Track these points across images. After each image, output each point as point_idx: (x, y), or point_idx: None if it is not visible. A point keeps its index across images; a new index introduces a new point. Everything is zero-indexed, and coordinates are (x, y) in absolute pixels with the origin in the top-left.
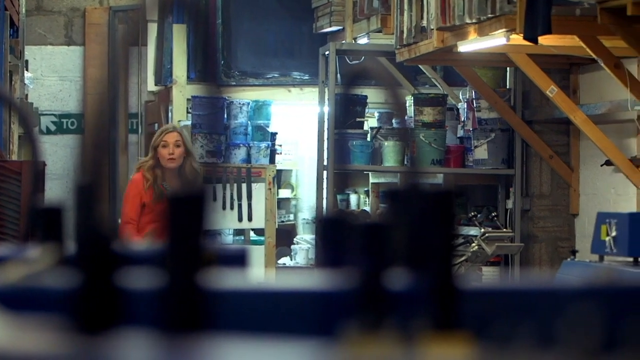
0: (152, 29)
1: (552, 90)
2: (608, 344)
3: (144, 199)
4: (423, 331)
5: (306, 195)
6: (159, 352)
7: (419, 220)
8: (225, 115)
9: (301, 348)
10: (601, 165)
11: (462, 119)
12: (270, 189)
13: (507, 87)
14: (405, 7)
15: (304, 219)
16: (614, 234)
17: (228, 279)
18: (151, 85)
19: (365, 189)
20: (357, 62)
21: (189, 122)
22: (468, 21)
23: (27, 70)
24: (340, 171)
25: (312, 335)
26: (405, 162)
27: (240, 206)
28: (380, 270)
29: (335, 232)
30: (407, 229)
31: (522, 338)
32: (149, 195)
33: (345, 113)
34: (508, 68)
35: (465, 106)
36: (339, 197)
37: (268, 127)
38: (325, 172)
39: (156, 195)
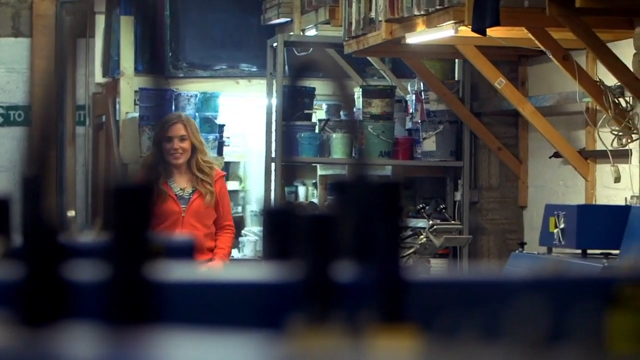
0: (100, 21)
1: (500, 82)
2: (555, 336)
3: None
4: (370, 323)
5: (254, 188)
6: (104, 345)
7: (367, 212)
8: (173, 107)
9: (248, 340)
10: (550, 158)
11: (411, 111)
12: None
13: (456, 79)
14: None
15: (252, 211)
16: (562, 226)
17: (175, 271)
18: (99, 77)
19: (314, 181)
20: (304, 53)
21: (136, 114)
22: (416, 13)
23: None
24: (288, 163)
25: (258, 328)
26: (354, 154)
27: None
28: (328, 262)
29: (283, 224)
30: (354, 220)
31: (469, 330)
32: None
33: (293, 105)
34: (456, 60)
35: (414, 98)
36: (287, 189)
37: (216, 119)
38: (273, 164)
39: (158, 196)
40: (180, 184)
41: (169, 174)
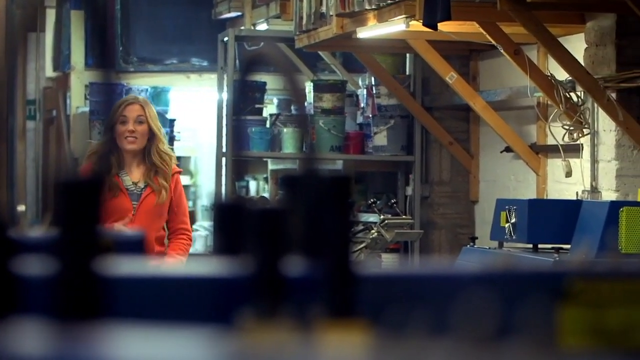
0: (50, 15)
1: (451, 77)
2: (505, 331)
3: None
4: (320, 318)
5: (205, 182)
6: (53, 341)
7: (317, 206)
8: None
9: (197, 335)
10: (501, 152)
11: (362, 106)
12: None
13: (407, 73)
14: None
15: (203, 205)
16: (513, 220)
17: (124, 266)
18: (49, 72)
19: (265, 175)
20: (255, 48)
21: (87, 109)
22: (367, 7)
23: None
24: (239, 158)
25: (208, 322)
26: (304, 149)
27: None
28: (278, 257)
29: (233, 219)
30: (304, 215)
31: (418, 324)
32: None
33: (244, 100)
34: (408, 54)
35: (365, 92)
36: (238, 183)
37: (167, 113)
38: (224, 159)
39: (108, 189)
40: (133, 177)
41: (122, 164)
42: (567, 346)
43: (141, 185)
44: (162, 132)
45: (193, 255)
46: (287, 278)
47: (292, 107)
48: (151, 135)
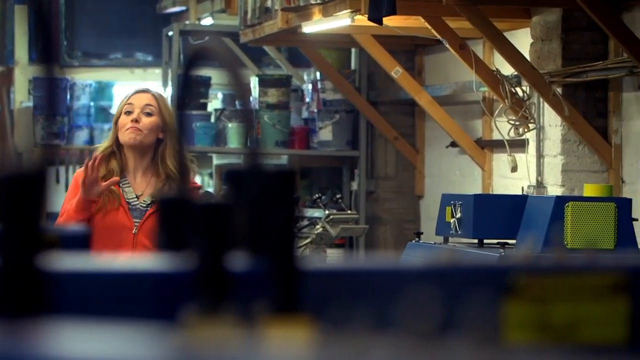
0: None
1: (397, 72)
2: (449, 326)
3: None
4: (264, 314)
5: None
6: None
7: (261, 201)
8: (68, 97)
9: (141, 331)
10: (446, 147)
11: (307, 101)
12: None
13: (352, 68)
14: None
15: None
16: (458, 215)
17: (68, 261)
18: None
19: (209, 170)
20: (199, 42)
21: (30, 104)
22: (312, 2)
23: None
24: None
25: (152, 318)
26: (249, 144)
27: None
28: (222, 252)
29: (176, 214)
30: (249, 210)
31: (363, 319)
32: (94, 201)
33: (188, 94)
34: (353, 49)
35: (310, 87)
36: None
37: (111, 108)
38: None
39: (105, 197)
40: (137, 188)
41: (124, 169)
42: (511, 341)
43: (146, 199)
44: (176, 129)
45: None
46: (231, 273)
47: (237, 102)
48: (164, 132)
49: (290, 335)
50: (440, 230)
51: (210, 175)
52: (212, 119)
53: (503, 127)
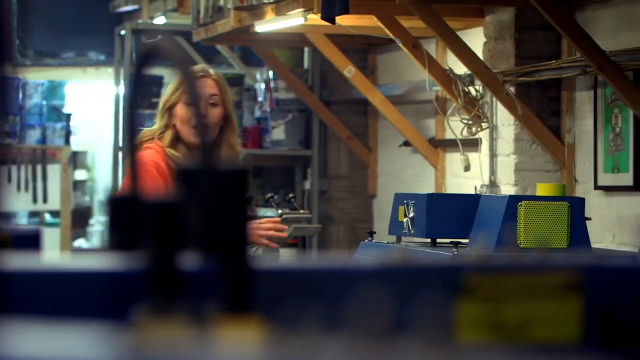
0: None
1: (350, 71)
2: (402, 325)
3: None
4: (216, 314)
5: (102, 177)
6: None
7: (214, 200)
8: (20, 96)
9: (92, 331)
10: (399, 146)
11: (260, 100)
12: (65, 170)
13: (305, 67)
14: None
15: (100, 200)
16: (411, 215)
17: (19, 261)
18: None
19: None
20: (152, 41)
21: None
22: (266, 1)
23: None
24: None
25: (103, 318)
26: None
27: (35, 188)
28: (174, 252)
29: (128, 213)
30: (200, 209)
31: (315, 319)
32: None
33: (141, 93)
34: (306, 48)
35: (263, 87)
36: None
37: (64, 107)
38: (121, 154)
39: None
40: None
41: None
42: (464, 341)
43: None
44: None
45: (89, 250)
46: (183, 273)
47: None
48: (225, 123)
49: (242, 335)
50: (393, 230)
51: None
52: None
53: (456, 127)
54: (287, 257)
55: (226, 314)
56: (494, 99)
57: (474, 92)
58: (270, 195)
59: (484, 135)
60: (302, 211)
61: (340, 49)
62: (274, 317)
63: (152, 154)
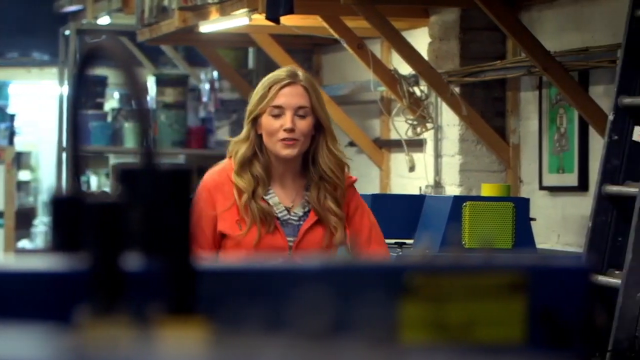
0: None
1: None
2: (345, 326)
3: (223, 221)
4: (158, 314)
5: (46, 178)
6: None
7: (156, 200)
8: None
9: (34, 332)
10: (344, 147)
11: (204, 100)
12: (9, 171)
13: (250, 67)
14: None
15: (44, 201)
16: None
17: None
18: None
19: (106, 170)
20: (95, 41)
21: None
22: (210, 1)
23: None
24: (79, 153)
25: (46, 319)
26: (145, 144)
27: None
28: (116, 252)
29: (70, 214)
30: (143, 209)
31: (258, 319)
32: (235, 211)
33: (84, 94)
34: (251, 48)
35: (207, 87)
36: (79, 178)
37: (7, 108)
38: (64, 154)
39: (256, 215)
40: (286, 199)
41: (269, 176)
42: (407, 341)
43: (298, 211)
44: (330, 123)
45: (32, 251)
46: (126, 274)
47: (133, 102)
48: (318, 133)
49: (184, 335)
50: None
51: (107, 175)
52: (109, 119)
53: (401, 127)
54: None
55: (169, 314)
56: (439, 99)
57: (418, 93)
58: None
59: (428, 136)
60: None
61: (285, 49)
62: (217, 318)
63: (212, 174)
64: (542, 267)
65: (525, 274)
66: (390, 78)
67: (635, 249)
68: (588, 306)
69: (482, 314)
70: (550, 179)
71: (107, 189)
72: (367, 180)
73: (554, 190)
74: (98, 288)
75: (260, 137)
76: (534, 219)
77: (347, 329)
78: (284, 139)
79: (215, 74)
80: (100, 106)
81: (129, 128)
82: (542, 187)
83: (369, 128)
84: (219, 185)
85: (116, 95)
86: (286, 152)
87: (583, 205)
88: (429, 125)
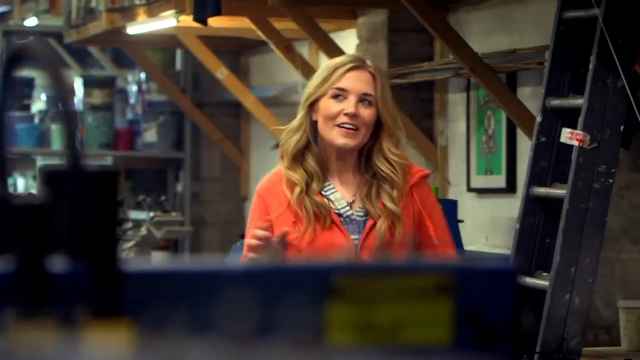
0: None
1: (222, 73)
2: (270, 327)
3: (279, 227)
4: (84, 317)
5: None
6: None
7: (82, 202)
8: None
9: None
10: (272, 149)
11: (132, 102)
12: None
13: (177, 69)
14: None
15: None
16: None
17: None
18: None
19: (33, 172)
20: (21, 42)
21: None
22: (137, 2)
23: None
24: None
25: None
26: (72, 145)
27: None
28: (41, 255)
29: None
30: (69, 211)
31: (184, 322)
32: (290, 213)
33: (12, 95)
34: (178, 50)
35: (135, 89)
36: (5, 180)
37: None
38: None
39: (309, 210)
40: (347, 193)
41: (326, 169)
42: (334, 343)
43: (360, 207)
44: (398, 120)
45: None
46: (52, 276)
47: (60, 104)
48: (379, 127)
49: (110, 338)
50: None
51: (34, 177)
52: (36, 121)
53: None
54: (159, 259)
55: (94, 317)
56: None
57: None
58: (141, 197)
59: None
60: (173, 214)
61: (213, 50)
62: (143, 320)
63: (263, 180)
64: (470, 269)
65: (452, 275)
66: None
67: (562, 251)
68: (515, 308)
69: (409, 315)
70: (478, 181)
71: (33, 191)
72: None
73: (481, 192)
74: (23, 291)
75: (315, 125)
76: (461, 221)
77: (273, 331)
78: (343, 124)
79: (142, 75)
80: (27, 108)
81: (56, 130)
82: (470, 189)
83: None
84: (271, 188)
85: (43, 97)
86: (343, 140)
87: (511, 207)
88: None
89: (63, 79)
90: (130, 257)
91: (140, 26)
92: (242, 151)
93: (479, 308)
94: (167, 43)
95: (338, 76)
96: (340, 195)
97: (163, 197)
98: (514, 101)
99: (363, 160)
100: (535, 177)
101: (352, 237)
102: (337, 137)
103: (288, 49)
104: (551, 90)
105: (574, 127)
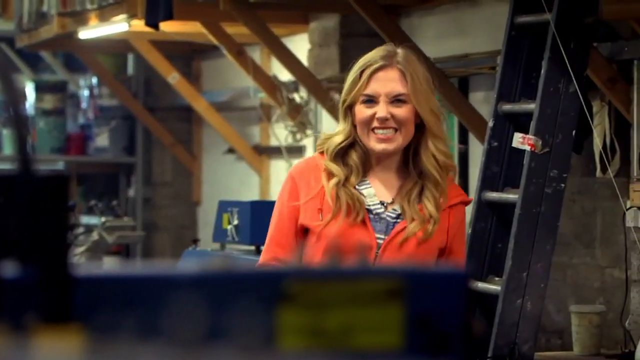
0: None
1: (174, 77)
2: (220, 333)
3: (305, 212)
4: (34, 323)
5: None
6: None
7: (32, 207)
8: None
9: None
10: (224, 153)
11: (83, 107)
12: None
13: (129, 74)
14: None
15: None
16: (235, 222)
17: None
18: None
19: None
20: None
21: None
22: (89, 7)
23: None
24: None
25: None
26: (23, 150)
27: None
28: None
29: None
30: (19, 216)
31: (133, 327)
32: (317, 200)
33: None
34: (130, 55)
35: (87, 93)
36: None
37: None
38: None
39: (342, 202)
40: (382, 193)
41: (366, 166)
42: (285, 348)
43: (396, 207)
44: (442, 117)
45: None
46: (2, 281)
47: (10, 109)
48: (420, 127)
49: (60, 344)
50: (217, 237)
51: None
52: None
53: (281, 134)
54: (110, 264)
55: (44, 322)
56: (319, 106)
57: (298, 99)
58: (93, 202)
59: (308, 142)
60: (125, 218)
61: (164, 55)
62: (92, 326)
63: (299, 163)
64: (421, 273)
65: (403, 280)
66: (270, 84)
67: (514, 255)
68: (467, 313)
69: (360, 320)
70: None
71: None
72: (246, 187)
73: None
74: None
75: (356, 128)
76: None
77: (223, 337)
78: (376, 129)
79: (94, 80)
80: None
81: (6, 135)
82: None
83: (249, 135)
84: (305, 172)
85: None
86: (381, 147)
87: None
88: (308, 131)
89: (14, 83)
90: (82, 262)
91: (92, 31)
92: (194, 156)
93: (430, 313)
94: (118, 48)
95: (365, 79)
96: (373, 191)
97: (115, 202)
98: (466, 106)
99: (410, 158)
100: (487, 182)
101: (377, 235)
102: (374, 144)
103: (240, 53)
104: (503, 94)
105: (526, 131)
